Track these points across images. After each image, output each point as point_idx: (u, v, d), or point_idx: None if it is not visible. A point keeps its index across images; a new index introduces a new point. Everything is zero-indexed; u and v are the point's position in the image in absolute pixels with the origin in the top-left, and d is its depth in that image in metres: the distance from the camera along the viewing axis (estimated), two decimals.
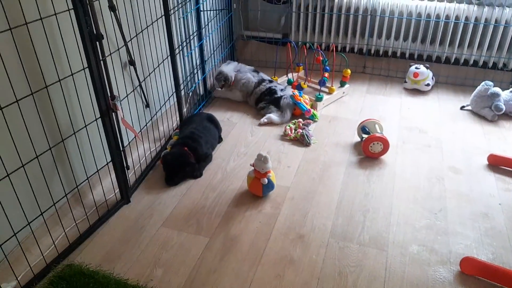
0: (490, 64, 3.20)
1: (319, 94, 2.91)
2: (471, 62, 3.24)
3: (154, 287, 1.61)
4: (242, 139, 2.62)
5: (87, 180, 1.96)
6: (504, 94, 2.79)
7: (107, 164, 1.96)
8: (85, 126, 1.80)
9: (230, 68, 3.05)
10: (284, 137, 2.62)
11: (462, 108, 2.93)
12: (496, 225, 1.91)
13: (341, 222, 1.94)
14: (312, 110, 2.79)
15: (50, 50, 1.66)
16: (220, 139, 2.59)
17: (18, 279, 1.60)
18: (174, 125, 2.72)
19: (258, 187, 2.05)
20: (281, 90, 2.89)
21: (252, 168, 2.07)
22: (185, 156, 2.22)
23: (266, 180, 2.03)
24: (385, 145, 2.35)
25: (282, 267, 1.71)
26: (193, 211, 2.03)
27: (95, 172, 1.97)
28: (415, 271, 1.69)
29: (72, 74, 1.69)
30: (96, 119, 1.82)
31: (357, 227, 1.91)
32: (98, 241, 1.86)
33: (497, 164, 2.32)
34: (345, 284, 1.63)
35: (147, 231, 1.91)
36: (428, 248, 1.79)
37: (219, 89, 3.07)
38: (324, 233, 1.88)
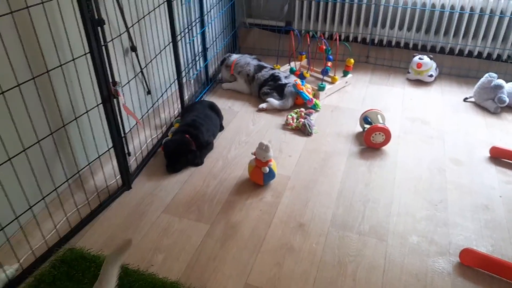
0: (495, 56, 3.18)
1: (322, 84, 2.90)
2: (475, 53, 3.21)
3: (154, 272, 1.62)
4: (244, 128, 2.61)
5: (88, 166, 1.96)
6: (508, 86, 2.77)
7: (108, 150, 1.96)
8: (87, 112, 1.80)
9: (233, 56, 3.07)
10: (286, 126, 2.62)
11: (465, 99, 2.92)
12: (496, 217, 1.92)
13: (342, 212, 1.95)
14: (314, 99, 2.78)
15: (52, 34, 1.65)
16: (221, 127, 2.58)
17: (20, 262, 1.61)
18: (175, 113, 2.71)
19: (259, 175, 2.05)
20: (285, 77, 2.87)
21: (254, 156, 2.07)
22: (186, 143, 2.21)
23: (267, 169, 2.03)
24: (387, 135, 2.34)
25: (282, 255, 1.72)
26: (194, 199, 2.03)
27: (96, 158, 1.97)
28: (414, 262, 1.69)
29: (73, 59, 1.68)
30: (97, 105, 1.81)
31: (357, 217, 1.91)
32: (99, 226, 1.86)
33: (498, 156, 2.32)
34: (344, 273, 1.64)
35: (148, 217, 1.91)
36: (428, 239, 1.80)
37: (223, 80, 3.08)
38: (324, 222, 1.89)
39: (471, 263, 1.67)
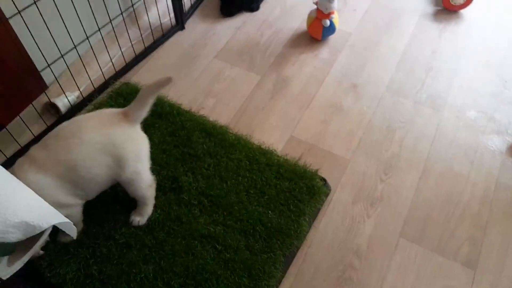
0: None
1: None
2: None
3: (205, 115, 1.67)
4: None
5: (142, 0, 1.88)
6: None
7: None
8: None
9: None
10: None
11: None
12: None
13: (400, 77, 1.84)
14: None
15: None
16: None
17: (81, 90, 1.70)
18: None
19: (318, 29, 1.92)
20: None
21: (315, 7, 1.90)
22: None
23: (328, 22, 1.88)
24: None
25: (330, 114, 1.71)
26: (247, 47, 1.97)
27: None
28: (467, 136, 1.64)
29: None
30: None
31: (416, 84, 1.81)
32: (152, 64, 1.88)
33: None
34: (391, 138, 1.63)
35: (200, 61, 1.90)
36: (487, 116, 1.70)
37: None
38: (380, 85, 1.81)
39: None
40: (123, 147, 1.14)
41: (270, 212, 1.38)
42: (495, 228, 1.40)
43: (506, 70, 1.87)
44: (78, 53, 1.64)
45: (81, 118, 1.17)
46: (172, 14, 2.01)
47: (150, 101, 1.18)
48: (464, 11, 2.12)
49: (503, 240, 1.37)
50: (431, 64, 1.89)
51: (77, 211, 1.22)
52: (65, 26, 1.51)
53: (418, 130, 1.66)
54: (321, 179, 1.48)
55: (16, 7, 1.31)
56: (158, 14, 1.99)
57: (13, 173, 1.00)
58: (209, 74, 1.85)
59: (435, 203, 1.46)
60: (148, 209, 1.34)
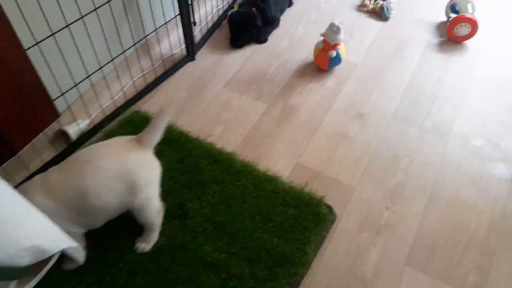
0: None
1: None
2: None
3: (212, 142, 1.71)
4: (315, 5, 2.43)
5: (155, 32, 1.96)
6: None
7: (175, 17, 1.93)
8: None
9: None
10: (361, 7, 2.40)
11: None
12: None
13: (406, 106, 1.86)
14: None
15: None
16: (290, 3, 2.43)
17: (92, 117, 1.76)
18: None
19: (325, 59, 1.97)
20: None
21: (322, 38, 1.96)
22: (252, 17, 2.12)
23: (334, 53, 1.93)
24: (474, 28, 2.09)
25: (336, 142, 1.73)
26: (255, 77, 2.02)
27: (163, 24, 1.96)
28: (473, 164, 1.64)
29: None
30: None
31: (422, 113, 1.83)
32: (163, 93, 1.94)
33: None
34: (397, 166, 1.64)
35: (209, 90, 1.95)
36: (493, 144, 1.71)
37: None
38: (386, 114, 1.83)
39: None
40: (137, 173, 1.17)
41: (275, 239, 1.38)
42: (502, 256, 1.38)
43: (511, 98, 1.88)
44: (92, 82, 1.71)
45: (98, 145, 1.21)
46: (184, 46, 2.08)
47: (163, 126, 1.23)
48: (468, 42, 2.16)
49: (511, 269, 1.35)
50: (437, 93, 1.92)
51: (75, 238, 1.23)
52: (80, 56, 1.58)
53: (423, 158, 1.66)
54: (326, 206, 1.48)
55: (34, 38, 1.38)
56: (170, 45, 2.07)
57: (23, 191, 1.04)
58: (218, 103, 1.90)
59: (441, 231, 1.44)
60: (154, 236, 1.36)
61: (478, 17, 2.11)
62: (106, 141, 1.23)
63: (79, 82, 1.62)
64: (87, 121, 1.74)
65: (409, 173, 1.61)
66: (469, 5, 2.18)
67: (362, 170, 1.63)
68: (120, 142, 1.22)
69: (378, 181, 1.59)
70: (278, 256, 1.34)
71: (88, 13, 1.52)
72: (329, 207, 1.49)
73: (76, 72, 1.63)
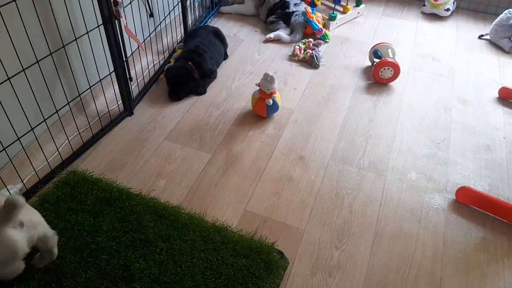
0: None
1: (333, 13, 2.76)
2: None
3: (156, 196, 1.66)
4: (249, 57, 2.53)
5: (89, 90, 1.92)
6: None
7: (110, 74, 1.92)
8: (87, 33, 1.73)
9: None
10: (293, 57, 2.54)
11: (480, 37, 2.79)
12: (497, 158, 1.92)
13: (343, 146, 1.95)
14: (324, 29, 2.66)
15: None
16: (225, 56, 2.51)
17: (24, 182, 1.65)
18: (178, 38, 2.62)
19: (263, 107, 2.03)
20: (295, 4, 2.74)
21: (258, 88, 2.02)
22: (189, 70, 2.16)
23: (271, 101, 1.99)
24: (396, 71, 2.28)
25: (281, 185, 1.75)
26: (196, 128, 2.02)
27: (98, 82, 1.93)
28: (411, 197, 1.72)
29: None
30: (98, 26, 1.74)
31: (358, 152, 1.92)
32: (101, 150, 1.88)
33: (507, 97, 2.27)
34: (341, 204, 1.68)
35: (150, 144, 1.92)
36: (427, 176, 1.81)
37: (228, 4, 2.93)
38: (325, 155, 1.90)
39: (466, 200, 1.70)
40: None
41: None
42: (449, 286, 1.43)
43: (436, 133, 2.04)
44: (22, 145, 1.61)
45: None
46: (120, 101, 2.05)
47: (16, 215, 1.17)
48: (393, 83, 2.34)
49: None
50: (369, 132, 2.03)
51: None
52: (8, 118, 1.50)
53: (365, 195, 1.72)
54: (278, 253, 1.47)
55: None
56: (106, 102, 2.03)
57: None
58: (160, 155, 1.86)
59: (390, 265, 1.48)
60: None
61: (398, 60, 2.31)
62: None
63: (8, 146, 1.53)
64: (19, 185, 1.62)
65: (353, 210, 1.66)
66: (389, 50, 2.39)
67: (309, 211, 1.65)
68: None
69: (325, 221, 1.61)
70: None
71: (15, 74, 1.46)
72: (280, 252, 1.47)
73: (5, 134, 1.54)
